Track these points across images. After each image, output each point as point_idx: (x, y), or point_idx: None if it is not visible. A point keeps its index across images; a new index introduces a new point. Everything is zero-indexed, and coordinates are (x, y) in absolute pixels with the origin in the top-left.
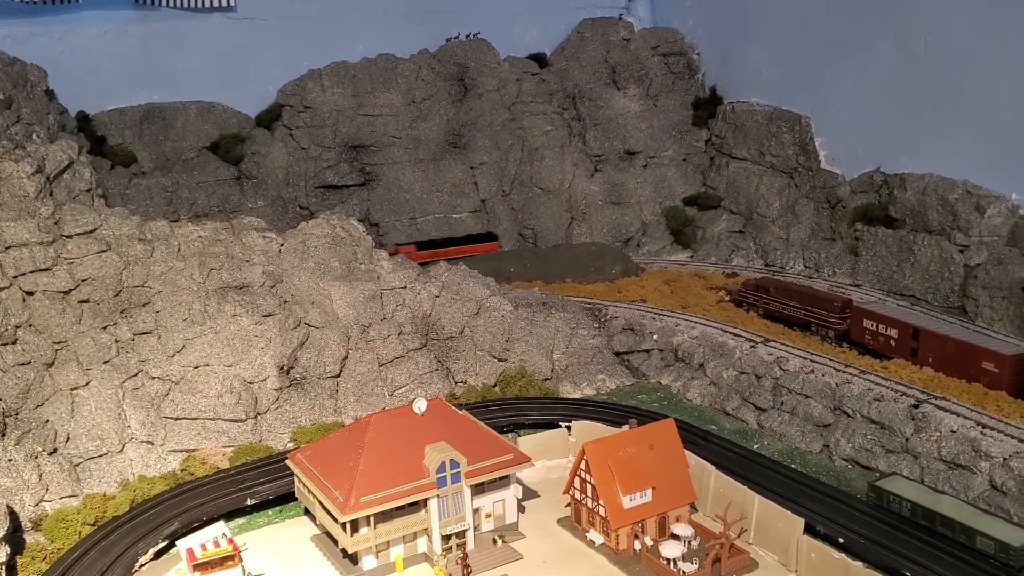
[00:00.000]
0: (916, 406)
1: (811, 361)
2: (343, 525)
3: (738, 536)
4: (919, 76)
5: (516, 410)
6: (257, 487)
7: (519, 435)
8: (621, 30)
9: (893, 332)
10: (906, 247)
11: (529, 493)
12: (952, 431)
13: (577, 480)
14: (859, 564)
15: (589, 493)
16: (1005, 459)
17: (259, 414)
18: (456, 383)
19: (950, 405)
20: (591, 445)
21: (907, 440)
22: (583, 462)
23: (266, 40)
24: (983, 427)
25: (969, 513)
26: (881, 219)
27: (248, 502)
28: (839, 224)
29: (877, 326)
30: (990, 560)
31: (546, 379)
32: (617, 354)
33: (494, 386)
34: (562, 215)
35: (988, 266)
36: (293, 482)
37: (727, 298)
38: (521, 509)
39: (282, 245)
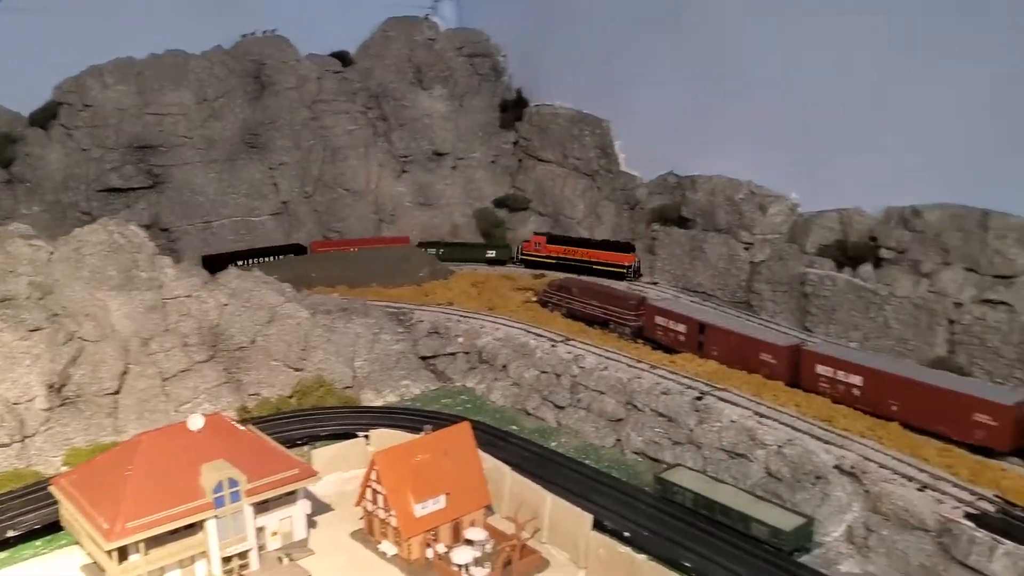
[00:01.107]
0: (700, 398)
1: (606, 358)
2: (109, 553)
3: (532, 536)
4: (705, 83)
5: (313, 421)
6: (21, 516)
7: (314, 447)
8: (426, 30)
9: (682, 328)
10: (698, 245)
11: (323, 507)
12: (732, 421)
13: (369, 491)
14: (643, 557)
15: (380, 503)
16: (779, 447)
17: (26, 437)
18: (248, 396)
19: (731, 396)
20: (381, 454)
21: (691, 431)
22: (373, 472)
23: (40, 33)
24: (760, 416)
25: (745, 501)
26: (675, 219)
27: (9, 534)
28: (638, 225)
29: (668, 322)
30: (764, 545)
31: (347, 387)
32: (423, 358)
33: (290, 397)
34: (369, 217)
35: (770, 262)
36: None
37: (534, 299)
38: (312, 524)
39: (52, 254)
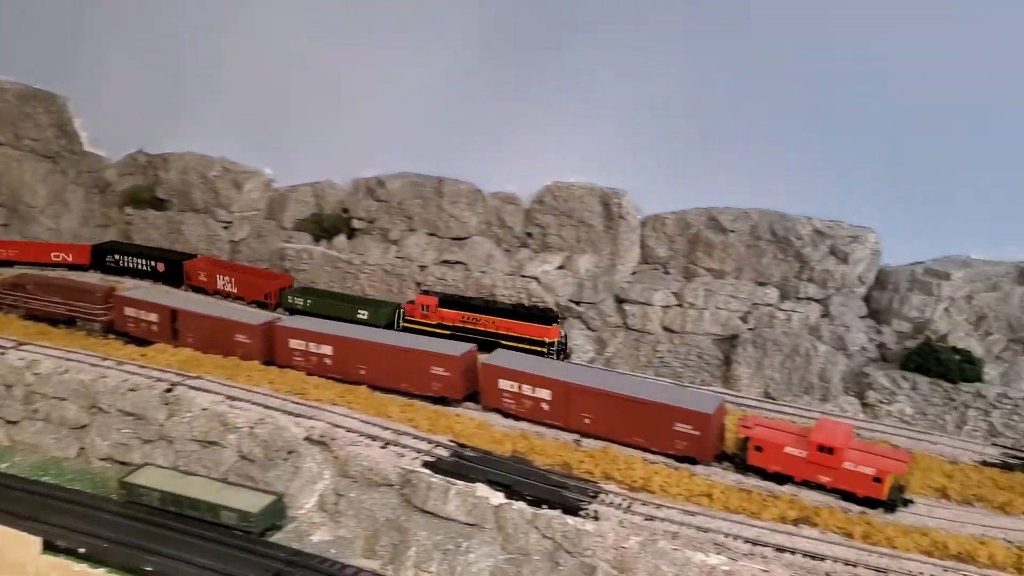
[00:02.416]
0: (169, 390)
1: (67, 360)
2: None
3: None
4: (172, 56)
5: None
6: None
7: None
8: None
9: (154, 316)
10: (176, 227)
11: None
12: (204, 409)
13: None
14: (101, 571)
15: None
16: (251, 428)
17: None
18: None
19: (203, 383)
20: None
21: (162, 426)
22: None
23: None
24: (233, 399)
25: (215, 489)
26: (149, 201)
27: None
28: (110, 209)
29: (139, 312)
30: (234, 531)
31: None
32: None
33: None
34: None
35: (250, 240)
36: None
37: None
38: None
39: None
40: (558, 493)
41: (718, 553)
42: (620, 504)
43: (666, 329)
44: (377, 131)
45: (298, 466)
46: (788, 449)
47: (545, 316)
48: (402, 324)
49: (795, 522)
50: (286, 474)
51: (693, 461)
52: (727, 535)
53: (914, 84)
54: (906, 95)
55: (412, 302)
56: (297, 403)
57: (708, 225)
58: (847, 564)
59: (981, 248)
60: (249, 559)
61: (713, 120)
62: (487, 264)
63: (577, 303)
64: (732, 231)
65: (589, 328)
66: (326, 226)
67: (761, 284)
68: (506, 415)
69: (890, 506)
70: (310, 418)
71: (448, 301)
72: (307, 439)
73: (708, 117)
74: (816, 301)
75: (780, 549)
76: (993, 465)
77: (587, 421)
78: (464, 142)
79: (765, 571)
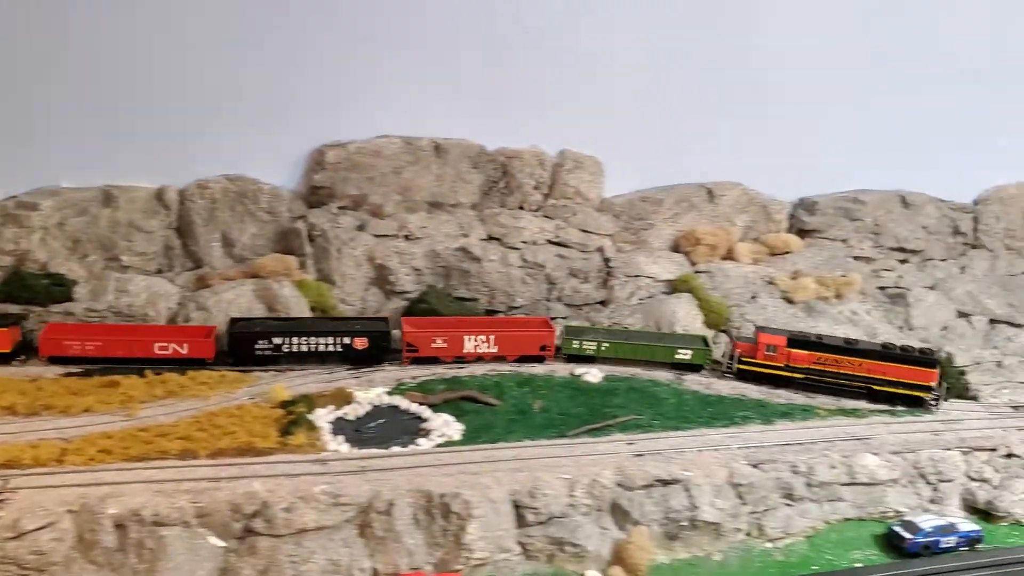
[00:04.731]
0: None
1: None
2: None
3: None
4: None
5: None
6: None
7: None
8: None
9: None
10: None
11: None
12: None
13: None
14: None
15: None
16: None
17: None
18: None
19: None
20: None
21: None
22: None
23: None
24: None
25: None
26: None
27: None
28: None
29: None
30: None
31: None
32: None
33: None
34: None
35: None
36: None
37: None
38: None
39: None
40: None
41: None
42: None
43: None
44: None
45: None
46: None
47: (925, 358)
48: (736, 366)
49: None
50: None
51: None
52: None
53: None
54: None
55: (742, 339)
56: None
57: None
58: None
59: (72, 176)
60: None
61: None
62: None
63: None
64: None
65: None
66: None
67: None
68: None
69: None
70: None
71: (799, 341)
72: None
73: None
74: None
75: None
76: (76, 375)
77: None
78: None
79: None
